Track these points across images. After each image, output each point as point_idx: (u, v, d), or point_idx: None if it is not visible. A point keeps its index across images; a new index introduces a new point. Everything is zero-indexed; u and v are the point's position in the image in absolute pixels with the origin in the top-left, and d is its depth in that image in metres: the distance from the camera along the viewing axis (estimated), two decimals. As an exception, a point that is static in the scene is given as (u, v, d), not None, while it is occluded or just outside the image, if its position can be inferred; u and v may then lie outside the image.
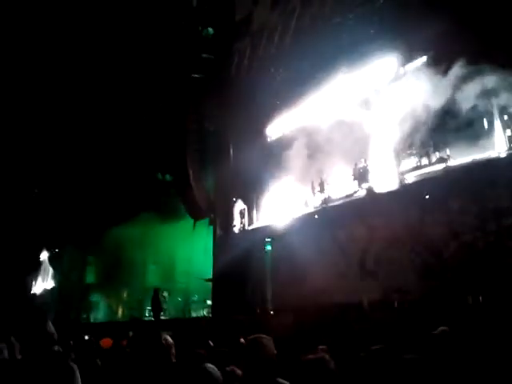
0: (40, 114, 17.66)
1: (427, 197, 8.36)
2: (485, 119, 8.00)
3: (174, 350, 2.70)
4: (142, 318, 17.44)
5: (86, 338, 6.15)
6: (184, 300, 17.93)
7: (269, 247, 12.16)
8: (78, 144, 18.58)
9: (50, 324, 2.98)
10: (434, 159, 8.73)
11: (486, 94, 7.76)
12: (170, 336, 3.00)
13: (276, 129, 13.36)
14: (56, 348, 2.87)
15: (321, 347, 4.47)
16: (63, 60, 15.80)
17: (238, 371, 3.58)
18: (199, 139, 15.98)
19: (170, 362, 2.64)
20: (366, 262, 9.41)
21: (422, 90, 8.91)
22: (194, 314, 16.85)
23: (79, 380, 2.79)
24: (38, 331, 2.89)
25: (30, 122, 18.01)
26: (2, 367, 2.94)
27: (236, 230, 13.52)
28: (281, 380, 2.95)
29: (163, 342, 2.68)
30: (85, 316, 20.18)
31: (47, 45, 15.24)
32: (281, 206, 12.31)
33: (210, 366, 3.11)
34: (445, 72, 8.37)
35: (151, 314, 15.57)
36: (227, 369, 3.52)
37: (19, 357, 3.60)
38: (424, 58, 9.22)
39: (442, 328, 4.55)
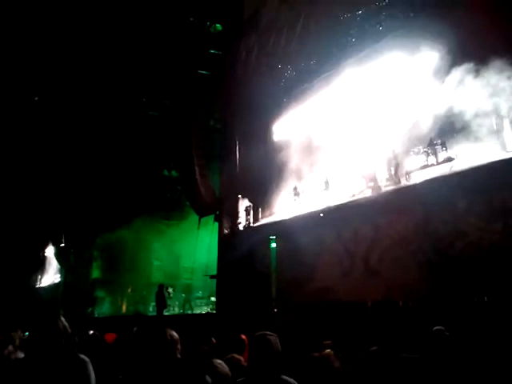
0: (51, 109, 17.73)
1: (433, 196, 8.30)
2: (494, 118, 7.93)
3: (179, 346, 2.71)
4: (146, 314, 17.53)
5: (91, 332, 6.15)
6: (188, 296, 18.01)
7: (273, 245, 12.17)
8: (84, 140, 18.64)
9: (63, 318, 3.00)
10: (441, 158, 8.67)
11: (496, 92, 7.69)
12: None
13: (283, 126, 13.34)
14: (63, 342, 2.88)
15: (326, 342, 4.47)
16: (71, 54, 15.83)
17: (241, 359, 3.59)
18: (205, 136, 16.02)
19: (174, 358, 2.65)
20: (371, 261, 9.37)
21: (430, 87, 8.85)
22: (197, 311, 16.91)
23: (92, 372, 2.81)
24: (51, 325, 2.91)
25: (37, 116, 18.08)
26: (13, 363, 2.97)
27: (241, 227, 13.53)
28: (285, 377, 2.96)
29: (168, 337, 2.68)
30: (89, 311, 20.29)
31: (52, 38, 15.26)
32: (286, 203, 12.30)
33: (217, 361, 3.12)
34: (453, 68, 8.31)
35: (155, 309, 15.64)
36: (227, 357, 3.53)
37: (27, 351, 3.62)
38: (433, 54, 9.13)
39: (437, 327, 4.55)
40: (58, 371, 2.70)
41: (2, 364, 3.57)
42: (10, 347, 4.05)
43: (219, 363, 3.16)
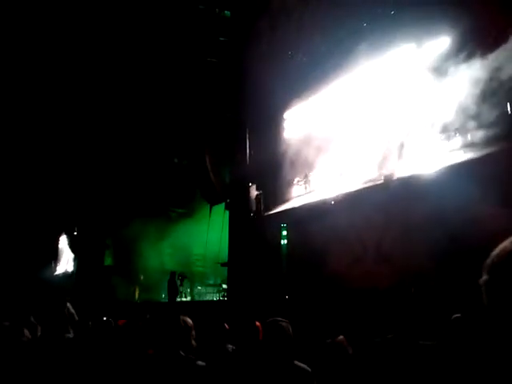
0: (63, 100, 17.80)
1: (446, 183, 8.23)
2: (508, 104, 7.80)
3: (194, 332, 2.74)
4: (159, 301, 17.73)
5: (104, 319, 6.23)
6: (200, 283, 18.16)
7: (284, 232, 12.19)
8: (95, 129, 18.72)
9: (70, 305, 3.05)
10: (456, 146, 8.58)
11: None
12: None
13: (294, 113, 13.26)
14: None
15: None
16: (80, 45, 15.82)
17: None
18: (216, 124, 15.98)
19: (189, 344, 2.69)
20: (383, 248, 9.36)
21: (446, 74, 8.72)
22: (209, 298, 17.06)
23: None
24: (58, 312, 2.95)
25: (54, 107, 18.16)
26: (26, 347, 3.02)
27: (252, 214, 13.55)
28: (298, 363, 2.99)
29: (182, 323, 2.72)
30: (103, 298, 20.55)
31: (59, 33, 15.24)
32: (297, 191, 12.28)
33: (230, 346, 3.16)
34: (469, 55, 8.16)
35: (167, 296, 15.81)
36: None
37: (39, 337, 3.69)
38: (447, 39, 8.97)
39: (455, 315, 4.54)
40: (64, 355, 2.74)
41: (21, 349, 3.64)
42: (26, 331, 4.12)
43: (231, 348, 3.20)
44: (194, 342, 2.84)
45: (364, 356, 2.84)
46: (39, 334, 4.11)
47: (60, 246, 26.86)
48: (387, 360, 2.64)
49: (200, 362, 2.61)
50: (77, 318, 2.98)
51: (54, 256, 26.94)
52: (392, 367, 2.67)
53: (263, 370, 2.88)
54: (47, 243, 25.10)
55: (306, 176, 12.01)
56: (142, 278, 20.77)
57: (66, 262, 26.12)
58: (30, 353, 2.79)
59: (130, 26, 15.07)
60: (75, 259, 24.43)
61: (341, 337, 3.05)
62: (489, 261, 1.25)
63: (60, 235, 26.11)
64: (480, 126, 8.04)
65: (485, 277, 1.25)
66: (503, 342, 1.16)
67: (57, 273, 26.54)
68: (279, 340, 2.94)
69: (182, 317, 2.70)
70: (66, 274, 24.90)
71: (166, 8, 14.60)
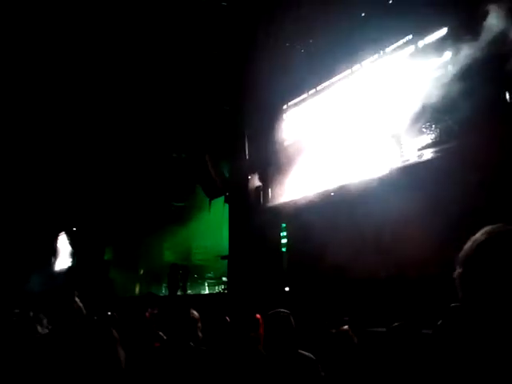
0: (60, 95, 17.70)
1: (444, 173, 8.27)
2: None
3: (200, 324, 2.79)
4: (159, 294, 17.82)
5: (109, 313, 6.31)
6: (200, 276, 18.26)
7: (284, 224, 12.24)
8: (90, 122, 18.64)
9: (78, 299, 3.09)
10: (451, 135, 8.61)
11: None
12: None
13: (294, 106, 13.27)
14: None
15: (344, 318, 4.56)
16: (72, 38, 15.68)
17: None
18: (214, 117, 15.96)
19: (196, 335, 2.73)
20: (383, 239, 9.40)
21: (438, 65, 8.74)
22: (209, 291, 17.17)
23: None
24: (67, 306, 2.99)
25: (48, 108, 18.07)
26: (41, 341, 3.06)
27: (252, 207, 13.58)
28: (302, 351, 3.04)
29: (190, 315, 2.76)
30: (104, 292, 20.64)
31: (63, 32, 15.10)
32: (297, 184, 12.32)
33: None
34: (462, 47, 8.17)
35: (168, 290, 15.86)
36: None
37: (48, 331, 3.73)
38: (443, 31, 8.98)
39: (453, 304, 4.59)
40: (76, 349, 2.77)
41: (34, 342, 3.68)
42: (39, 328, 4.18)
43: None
44: (200, 334, 2.89)
45: (369, 345, 2.89)
46: (48, 328, 4.17)
47: (59, 241, 26.94)
48: (392, 349, 2.69)
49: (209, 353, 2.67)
50: (84, 311, 3.02)
51: (53, 252, 27.02)
52: (396, 356, 2.72)
53: (269, 360, 2.93)
54: (46, 240, 25.14)
55: (307, 167, 12.03)
56: (141, 272, 20.87)
57: (65, 258, 26.21)
58: (44, 347, 2.83)
59: (126, 19, 14.95)
60: (75, 254, 24.53)
61: (345, 326, 3.10)
62: (462, 253, 1.27)
63: (60, 231, 26.17)
64: (476, 117, 8.06)
65: (458, 269, 1.27)
66: (477, 331, 1.18)
67: (57, 269, 26.62)
68: (282, 330, 3.00)
69: (189, 309, 2.75)
70: (66, 270, 24.99)
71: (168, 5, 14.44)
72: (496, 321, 1.13)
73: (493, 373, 1.11)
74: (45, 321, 4.32)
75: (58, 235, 26.49)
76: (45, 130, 18.98)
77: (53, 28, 14.71)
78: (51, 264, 26.95)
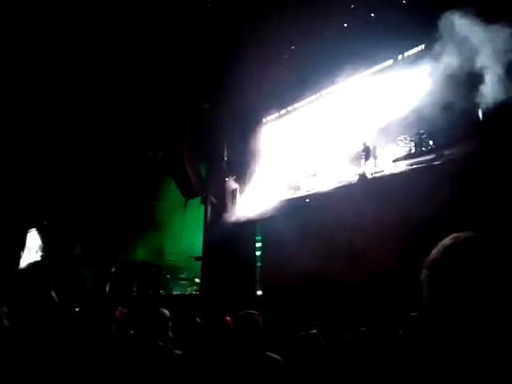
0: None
1: (415, 184, 8.49)
2: (480, 111, 8.11)
3: (170, 323, 2.82)
4: (130, 293, 17.63)
5: (77, 309, 6.24)
6: (172, 277, 18.14)
7: (259, 228, 12.31)
8: (64, 117, 18.30)
9: (54, 293, 3.08)
10: (426, 149, 8.86)
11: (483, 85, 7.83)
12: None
13: (273, 110, 13.38)
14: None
15: (312, 322, 4.64)
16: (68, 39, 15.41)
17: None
18: (193, 117, 15.88)
19: (166, 334, 2.77)
20: (354, 247, 9.58)
21: (417, 79, 8.99)
22: (181, 292, 17.07)
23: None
24: (43, 299, 2.98)
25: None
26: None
27: (227, 210, 13.62)
28: (270, 353, 3.11)
29: (160, 314, 2.79)
30: (73, 289, 20.28)
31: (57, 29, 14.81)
32: (272, 188, 12.42)
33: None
34: (442, 61, 8.43)
35: (139, 289, 15.75)
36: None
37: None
38: (420, 47, 9.26)
39: (413, 314, 4.75)
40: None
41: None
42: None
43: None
44: (170, 333, 2.93)
45: (336, 348, 2.98)
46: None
47: (29, 236, 26.33)
48: (358, 352, 2.78)
49: (177, 351, 2.70)
50: (59, 305, 3.02)
51: (23, 247, 26.38)
52: (362, 358, 2.82)
53: (236, 361, 2.99)
54: (15, 235, 24.54)
55: (282, 174, 12.15)
56: (113, 269, 20.59)
57: (34, 253, 25.64)
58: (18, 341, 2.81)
59: (106, 17, 14.77)
60: (44, 249, 24.02)
61: (314, 330, 3.19)
62: (429, 257, 1.36)
63: (30, 226, 25.57)
64: (448, 132, 8.32)
65: (425, 272, 1.34)
66: (442, 334, 1.26)
67: (26, 263, 25.99)
68: (251, 331, 3.05)
69: (160, 308, 2.78)
70: (36, 265, 24.40)
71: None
72: (459, 319, 1.22)
73: (457, 373, 1.19)
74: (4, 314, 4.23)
75: (27, 230, 25.91)
76: (14, 122, 18.56)
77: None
78: (19, 258, 26.33)
